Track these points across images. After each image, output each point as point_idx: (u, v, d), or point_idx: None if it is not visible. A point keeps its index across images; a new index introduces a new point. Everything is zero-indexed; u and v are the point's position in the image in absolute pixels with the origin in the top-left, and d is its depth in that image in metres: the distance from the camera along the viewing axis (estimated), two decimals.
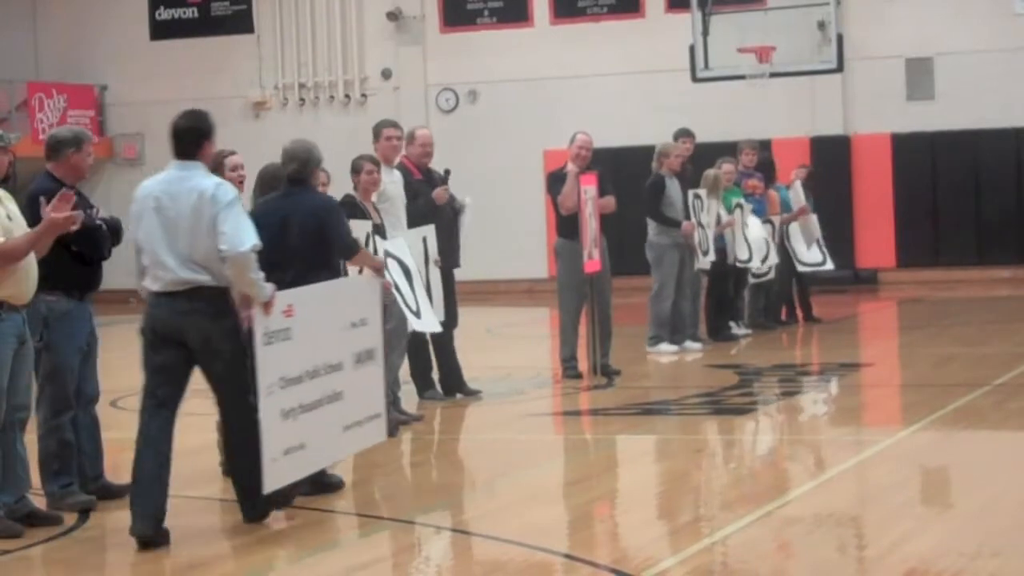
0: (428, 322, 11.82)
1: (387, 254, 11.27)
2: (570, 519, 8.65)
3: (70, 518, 8.61)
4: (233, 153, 9.71)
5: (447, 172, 12.90)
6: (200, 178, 8.20)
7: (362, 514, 8.88)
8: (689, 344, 16.20)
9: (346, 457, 9.69)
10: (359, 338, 9.27)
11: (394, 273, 11.33)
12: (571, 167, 14.09)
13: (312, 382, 8.66)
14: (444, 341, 12.87)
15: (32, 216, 8.24)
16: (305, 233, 9.24)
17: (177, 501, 8.94)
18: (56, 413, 8.90)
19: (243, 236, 8.04)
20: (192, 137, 8.30)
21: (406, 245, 11.60)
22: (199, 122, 8.36)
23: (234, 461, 8.58)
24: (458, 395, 13.08)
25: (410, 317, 11.55)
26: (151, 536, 8.09)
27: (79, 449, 9.05)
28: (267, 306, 8.17)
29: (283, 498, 8.62)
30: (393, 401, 11.68)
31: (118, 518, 8.63)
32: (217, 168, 9.37)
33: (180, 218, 8.11)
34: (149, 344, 8.25)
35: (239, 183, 9.56)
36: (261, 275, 8.14)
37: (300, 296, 8.56)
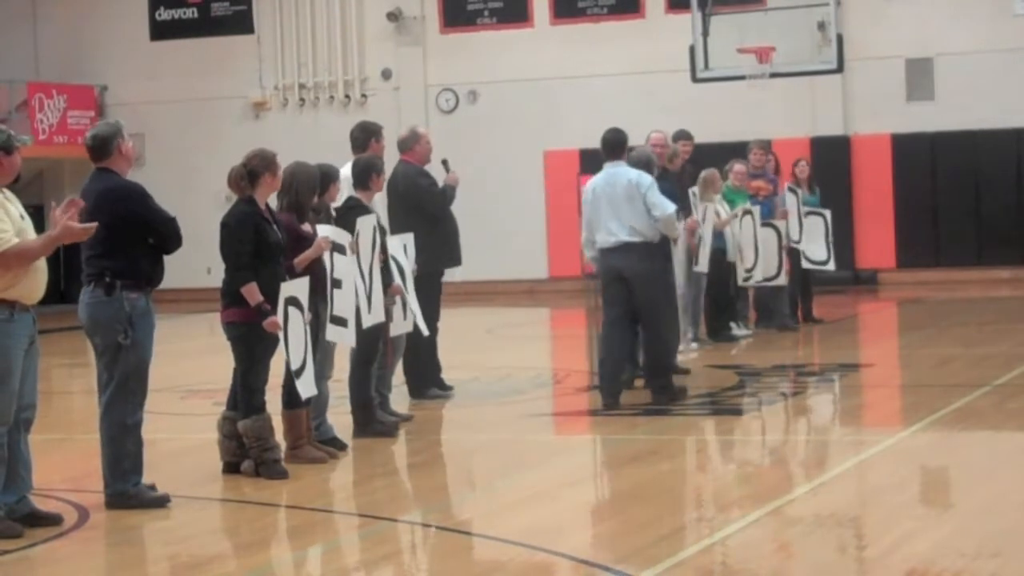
0: (419, 325, 11.82)
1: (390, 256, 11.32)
2: (570, 519, 8.63)
3: (70, 518, 8.61)
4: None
5: (444, 162, 13.00)
6: (626, 171, 12.25)
7: (362, 514, 8.87)
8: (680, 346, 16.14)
9: None
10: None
11: (395, 275, 11.34)
12: None
13: None
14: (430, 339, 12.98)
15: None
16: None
17: (177, 501, 8.97)
18: (135, 410, 8.79)
19: (667, 204, 12.13)
20: (617, 145, 12.34)
21: (401, 247, 11.58)
22: (621, 135, 12.39)
23: (653, 356, 12.50)
24: (433, 390, 13.14)
25: (406, 319, 11.55)
26: (613, 402, 12.21)
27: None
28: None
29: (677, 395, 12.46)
30: (381, 403, 11.64)
31: (118, 518, 8.64)
32: (270, 167, 9.74)
33: (619, 198, 12.12)
34: (604, 282, 12.37)
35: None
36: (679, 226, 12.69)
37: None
